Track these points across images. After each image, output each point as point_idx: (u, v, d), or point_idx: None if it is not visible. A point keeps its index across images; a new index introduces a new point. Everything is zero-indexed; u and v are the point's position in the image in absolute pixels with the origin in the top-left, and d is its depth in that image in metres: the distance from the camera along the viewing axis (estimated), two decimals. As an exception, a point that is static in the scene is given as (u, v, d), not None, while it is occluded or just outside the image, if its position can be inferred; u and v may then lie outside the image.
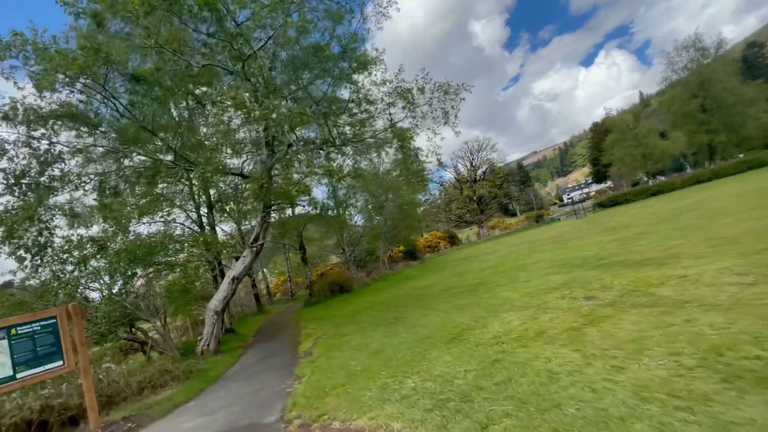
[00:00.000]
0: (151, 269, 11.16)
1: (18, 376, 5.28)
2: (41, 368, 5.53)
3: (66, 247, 10.71)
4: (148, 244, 11.35)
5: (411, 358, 5.58)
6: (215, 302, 10.77)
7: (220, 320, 10.84)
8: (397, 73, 8.79)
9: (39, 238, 5.82)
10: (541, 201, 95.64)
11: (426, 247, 34.12)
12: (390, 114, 8.94)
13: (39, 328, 5.64)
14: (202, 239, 14.26)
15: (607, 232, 15.42)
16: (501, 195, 39.44)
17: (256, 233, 11.18)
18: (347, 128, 8.89)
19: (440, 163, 9.46)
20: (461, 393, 3.92)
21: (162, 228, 14.51)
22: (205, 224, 16.77)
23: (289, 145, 9.17)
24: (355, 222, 26.43)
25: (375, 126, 9.10)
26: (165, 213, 15.70)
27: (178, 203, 16.00)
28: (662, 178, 44.02)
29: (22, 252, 5.82)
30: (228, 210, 16.04)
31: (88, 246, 11.16)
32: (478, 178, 38.10)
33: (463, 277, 13.65)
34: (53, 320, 5.80)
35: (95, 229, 13.69)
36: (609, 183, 76.49)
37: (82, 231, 12.58)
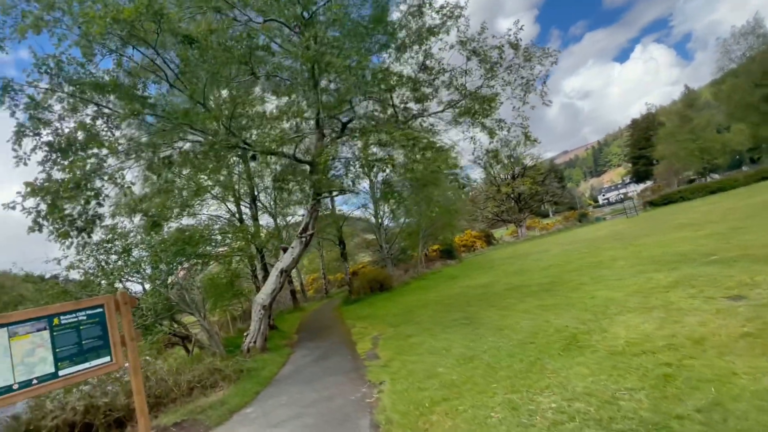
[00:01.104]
0: (195, 261, 10.53)
1: (60, 373, 4.53)
2: (87, 365, 4.76)
3: (110, 236, 10.27)
4: (192, 234, 10.74)
5: (524, 369, 4.47)
6: (262, 296, 10.00)
7: (267, 315, 10.06)
8: (480, 32, 7.64)
9: (86, 208, 5.16)
10: (580, 200, 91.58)
11: (461, 246, 32.68)
12: (463, 83, 7.83)
13: (85, 317, 4.88)
14: (244, 232, 13.63)
15: (685, 228, 13.79)
16: (543, 192, 37.28)
17: (305, 223, 10.33)
18: (412, 104, 7.84)
19: (528, 137, 8.25)
20: (648, 422, 2.79)
21: (204, 220, 13.98)
22: (245, 217, 16.21)
23: (345, 124, 8.25)
24: (385, 217, 25.40)
25: (441, 97, 8.00)
26: (207, 204, 15.24)
27: (218, 194, 15.49)
28: (715, 176, 40.54)
29: (66, 225, 5.18)
30: (276, 198, 15.36)
31: (131, 235, 10.69)
32: (517, 174, 36.13)
33: (524, 276, 12.37)
34: (100, 309, 5.04)
35: (137, 220, 13.34)
36: (651, 182, 72.12)
37: (125, 220, 12.21)
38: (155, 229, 6.73)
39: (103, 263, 10.11)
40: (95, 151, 5.12)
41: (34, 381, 4.33)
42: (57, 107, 5.26)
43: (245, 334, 10.10)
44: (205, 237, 11.38)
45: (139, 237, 10.66)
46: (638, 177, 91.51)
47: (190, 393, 6.78)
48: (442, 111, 7.80)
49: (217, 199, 16.25)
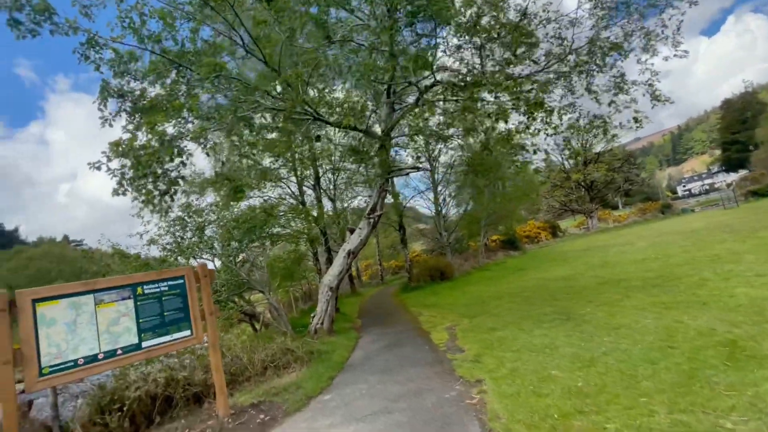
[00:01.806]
0: (263, 240, 10.50)
1: (143, 345, 4.36)
2: (168, 337, 4.57)
3: (187, 213, 10.52)
4: (261, 213, 10.70)
5: (680, 381, 3.48)
6: (330, 277, 9.67)
7: (334, 297, 9.73)
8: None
9: (168, 169, 5.02)
10: (661, 191, 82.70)
11: (524, 237, 30.67)
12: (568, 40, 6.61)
13: (166, 288, 4.69)
14: (308, 213, 13.52)
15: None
16: (620, 180, 33.57)
17: (373, 203, 9.79)
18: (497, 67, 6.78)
19: (657, 97, 6.88)
20: None
21: (271, 199, 14.07)
22: (308, 199, 16.18)
23: (422, 92, 7.46)
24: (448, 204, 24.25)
25: (536, 54, 6.76)
26: (272, 187, 15.39)
27: (283, 176, 15.57)
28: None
29: (150, 182, 5.08)
30: (336, 180, 15.08)
31: (206, 212, 10.88)
32: (589, 159, 32.75)
33: (615, 270, 10.90)
34: (181, 281, 4.83)
35: (210, 198, 13.71)
36: (746, 171, 62.77)
37: (199, 198, 12.55)
38: (238, 195, 6.53)
39: (179, 239, 10.42)
40: (178, 112, 4.92)
41: (119, 351, 4.17)
42: (140, 65, 5.13)
43: (312, 315, 9.88)
44: (274, 216, 11.32)
45: (212, 215, 10.85)
46: (729, 165, 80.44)
47: (264, 372, 6.56)
48: (543, 69, 6.62)
49: (282, 181, 16.37)
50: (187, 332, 4.72)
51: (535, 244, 30.96)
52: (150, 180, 4.90)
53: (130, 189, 5.07)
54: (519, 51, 5.93)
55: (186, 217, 10.55)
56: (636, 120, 7.16)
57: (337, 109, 6.95)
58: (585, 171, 32.21)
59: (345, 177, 18.52)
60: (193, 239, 10.28)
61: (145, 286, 4.51)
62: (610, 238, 22.41)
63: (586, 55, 6.36)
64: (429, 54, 7.14)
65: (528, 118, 6.30)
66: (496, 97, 6.04)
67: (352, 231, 10.07)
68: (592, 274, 11.11)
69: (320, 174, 15.55)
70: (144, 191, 4.99)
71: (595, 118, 7.48)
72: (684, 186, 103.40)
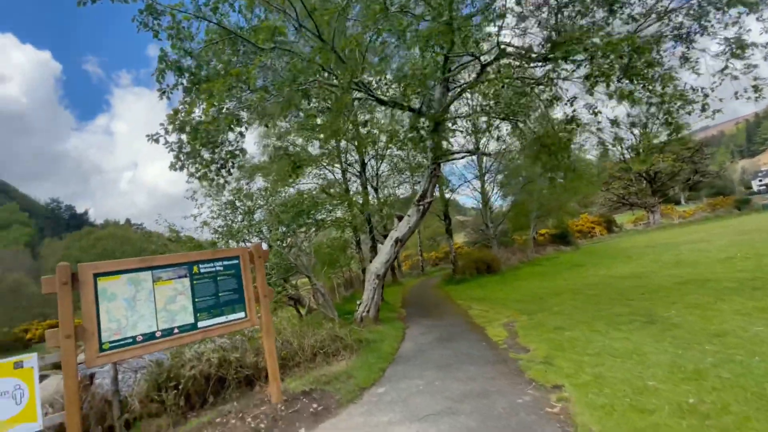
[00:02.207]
0: (310, 225, 10.40)
1: (199, 324, 4.24)
2: (223, 318, 4.43)
3: (237, 197, 10.65)
4: (308, 199, 10.60)
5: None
6: (377, 265, 9.36)
7: (380, 285, 9.43)
8: None
9: (225, 141, 4.89)
10: (734, 185, 74.83)
11: (576, 232, 28.79)
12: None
13: (221, 268, 4.54)
14: (351, 200, 13.31)
15: None
16: (689, 172, 30.31)
17: (423, 189, 9.31)
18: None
19: None
20: None
21: (317, 185, 14.02)
22: (352, 186, 15.99)
23: (484, 67, 6.81)
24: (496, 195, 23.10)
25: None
26: (317, 175, 15.36)
27: (329, 163, 15.49)
28: None
29: (207, 152, 4.98)
30: (379, 167, 14.75)
31: (255, 196, 10.96)
32: (653, 148, 29.69)
33: (695, 269, 9.71)
34: (235, 261, 4.67)
35: (259, 183, 13.91)
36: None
37: (249, 182, 12.72)
38: (296, 171, 6.34)
39: (230, 222, 10.58)
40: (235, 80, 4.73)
41: (176, 330, 4.06)
42: (196, 31, 4.99)
43: (358, 302, 9.66)
44: (320, 202, 11.19)
45: (261, 200, 10.90)
46: (819, 157, 70.65)
47: (314, 358, 6.39)
48: (638, 30, 5.61)
49: (326, 168, 16.32)
50: (242, 314, 4.56)
51: (588, 240, 29.03)
52: (207, 152, 4.77)
53: (186, 163, 5.00)
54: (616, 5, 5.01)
55: (236, 201, 10.69)
56: (756, 89, 5.97)
57: (393, 86, 6.50)
58: (648, 161, 29.43)
59: (389, 165, 18.15)
60: (243, 222, 10.40)
61: (201, 265, 4.38)
62: (678, 235, 20.37)
63: (696, 10, 5.32)
64: (491, 22, 6.45)
65: (632, 82, 5.35)
66: (590, 59, 5.24)
67: (400, 218, 9.68)
68: (666, 273, 9.97)
69: (365, 161, 15.25)
70: (201, 164, 4.88)
71: (693, 91, 6.39)
72: (761, 180, 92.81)
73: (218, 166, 5.10)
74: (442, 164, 10.85)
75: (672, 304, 6.61)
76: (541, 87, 8.12)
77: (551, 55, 5.66)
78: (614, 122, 9.46)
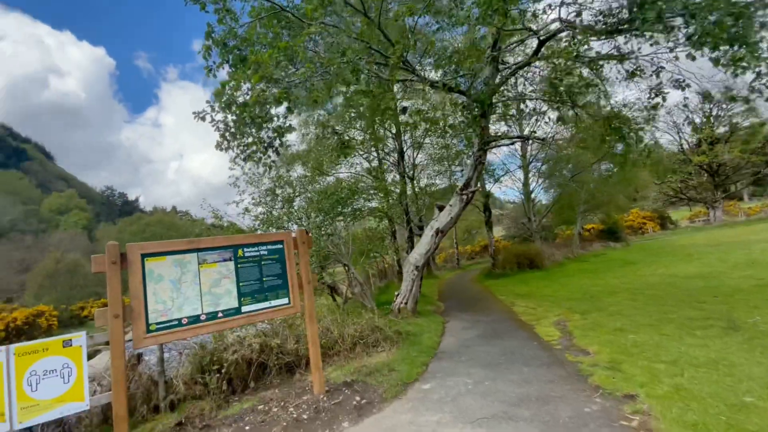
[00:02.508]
0: (348, 214, 10.25)
1: (243, 309, 4.13)
2: (266, 304, 4.30)
3: (277, 184, 10.69)
4: (346, 188, 10.44)
5: None
6: (416, 256, 9.06)
7: (419, 277, 9.13)
8: None
9: (273, 116, 4.73)
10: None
11: (625, 228, 26.98)
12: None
13: (266, 252, 4.41)
14: (386, 190, 13.01)
15: None
16: (760, 164, 27.21)
17: (467, 178, 8.85)
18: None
19: None
20: None
21: (355, 174, 13.87)
22: (388, 174, 15.70)
23: (543, 42, 6.21)
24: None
25: None
26: (354, 164, 15.20)
27: (365, 151, 15.28)
28: None
29: (253, 130, 4.84)
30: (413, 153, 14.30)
31: (295, 184, 10.95)
32: (717, 138, 26.90)
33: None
34: (279, 245, 4.53)
35: (299, 171, 13.94)
36: None
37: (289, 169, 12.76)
38: (345, 150, 6.11)
39: (270, 209, 10.64)
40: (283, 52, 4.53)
41: (220, 314, 3.97)
42: (241, 12, 4.85)
43: (396, 293, 9.43)
44: (359, 191, 11.01)
45: (300, 188, 10.88)
46: None
47: (353, 348, 6.22)
48: None
49: (362, 156, 16.11)
50: (285, 300, 4.42)
51: (639, 236, 27.15)
52: (254, 128, 4.63)
53: (232, 143, 4.91)
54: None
55: (277, 188, 10.74)
56: None
57: (444, 61, 6.07)
58: (711, 152, 26.82)
59: (425, 155, 17.66)
60: (283, 210, 10.42)
61: (245, 249, 4.27)
62: (745, 233, 18.48)
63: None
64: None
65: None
66: (690, 17, 4.51)
67: (441, 208, 9.28)
68: (740, 274, 8.95)
69: (404, 148, 14.85)
70: (248, 141, 4.75)
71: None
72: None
73: (265, 145, 4.96)
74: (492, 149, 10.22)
75: (754, 309, 5.84)
76: (613, 62, 7.32)
77: (634, 18, 4.96)
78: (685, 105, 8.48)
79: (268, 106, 4.26)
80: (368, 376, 5.10)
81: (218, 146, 4.88)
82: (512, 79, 8.80)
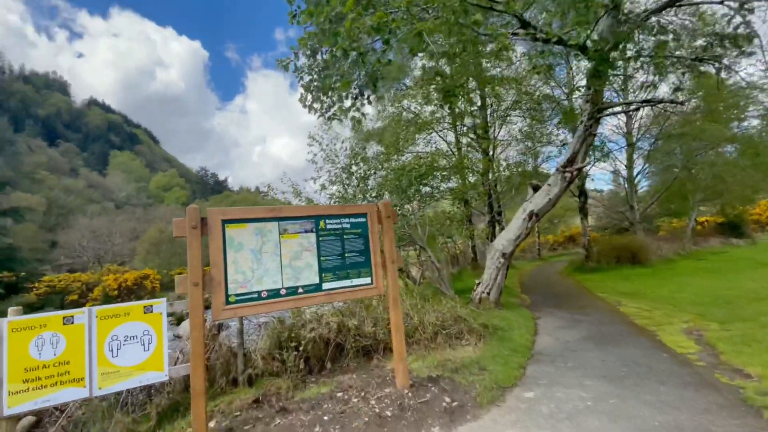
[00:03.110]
0: (427, 192, 9.58)
1: (323, 286, 3.70)
2: (348, 282, 3.85)
3: (354, 160, 10.37)
4: (425, 163, 9.74)
5: None
6: (503, 242, 8.10)
7: (506, 266, 8.18)
8: None
9: (370, 48, 4.17)
10: None
11: (752, 222, 22.44)
12: None
13: (348, 225, 3.94)
14: (462, 167, 11.97)
15: None
16: None
17: (572, 152, 7.57)
18: None
19: None
20: None
21: (428, 154, 13.08)
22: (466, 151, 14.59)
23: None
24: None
25: None
26: (430, 136, 14.38)
27: (445, 127, 14.36)
28: None
29: (344, 68, 4.35)
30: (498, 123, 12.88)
31: (371, 160, 10.54)
32: None
33: None
34: (362, 219, 4.02)
35: (374, 149, 13.54)
36: None
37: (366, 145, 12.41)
38: (449, 100, 5.41)
39: (345, 186, 10.38)
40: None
41: (300, 290, 3.58)
42: None
43: (477, 281, 8.60)
44: (439, 168, 10.23)
45: (375, 165, 10.43)
46: None
47: (434, 338, 5.62)
48: None
49: (440, 133, 15.18)
50: (367, 279, 3.93)
51: (766, 232, 22.48)
52: (346, 64, 4.09)
53: (317, 94, 4.49)
54: None
55: (352, 166, 10.42)
56: None
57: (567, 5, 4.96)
58: None
59: (507, 132, 16.10)
60: (359, 187, 10.09)
61: (327, 220, 3.83)
62: None
63: None
64: None
65: None
66: None
67: (536, 188, 8.14)
68: None
69: (489, 122, 13.54)
70: (336, 85, 4.27)
71: None
72: None
73: (355, 94, 4.42)
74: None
75: None
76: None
77: None
78: None
79: (362, 38, 3.68)
80: (455, 372, 4.47)
81: (302, 101, 4.51)
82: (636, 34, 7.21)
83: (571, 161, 7.50)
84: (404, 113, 14.77)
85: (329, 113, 4.77)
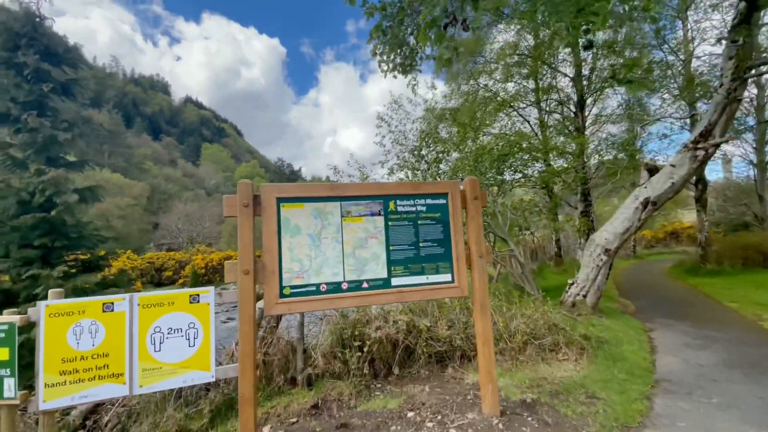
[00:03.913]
0: (512, 175, 8.42)
1: (393, 282, 3.00)
2: (422, 278, 3.11)
3: (425, 141, 9.54)
4: (510, 142, 8.55)
5: None
6: (607, 235, 6.73)
7: (608, 264, 6.81)
8: None
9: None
10: None
11: None
12: None
13: (423, 208, 3.19)
14: (551, 147, 10.37)
15: None
16: None
17: (707, 122, 5.91)
18: None
19: None
20: None
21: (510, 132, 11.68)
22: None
23: None
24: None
25: None
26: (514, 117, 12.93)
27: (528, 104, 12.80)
28: None
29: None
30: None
31: (446, 139, 9.62)
32: None
33: None
34: (442, 200, 3.23)
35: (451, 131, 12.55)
36: None
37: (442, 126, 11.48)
38: (589, 46, 4.46)
39: (415, 172, 9.61)
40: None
41: (365, 284, 2.92)
42: None
43: (570, 281, 7.33)
44: (525, 149, 8.95)
45: (450, 146, 9.48)
46: None
47: (523, 349, 4.68)
48: None
49: (529, 106, 13.59)
50: (447, 276, 3.16)
51: None
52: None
53: (388, 40, 3.80)
54: None
55: (423, 149, 9.60)
56: None
57: None
58: None
59: (599, 109, 13.83)
60: (429, 172, 9.26)
61: (398, 201, 3.13)
62: None
63: None
64: None
65: None
66: None
67: (652, 171, 6.59)
68: None
69: (585, 94, 11.62)
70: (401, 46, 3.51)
71: None
72: None
73: (445, 23, 3.62)
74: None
75: None
76: None
77: None
78: None
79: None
80: (555, 397, 3.54)
81: (374, 54, 3.85)
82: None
83: (705, 135, 5.85)
84: (481, 91, 13.49)
85: (396, 66, 3.98)
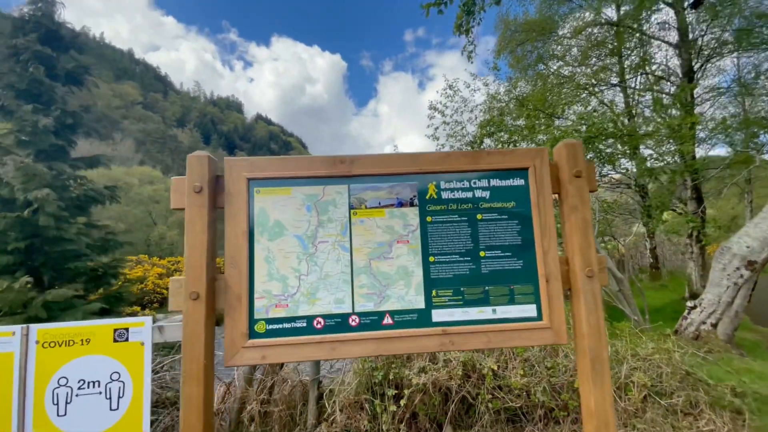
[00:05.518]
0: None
1: (434, 316, 1.78)
2: (486, 311, 1.84)
3: (487, 129, 8.14)
4: (594, 123, 6.82)
5: None
6: (750, 241, 4.83)
7: (752, 281, 4.88)
8: None
9: None
10: None
11: None
12: None
13: (487, 194, 1.93)
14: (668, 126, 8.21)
15: None
16: None
17: None
18: None
19: None
20: None
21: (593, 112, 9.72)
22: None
23: None
24: None
25: None
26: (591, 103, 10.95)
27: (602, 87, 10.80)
28: None
29: None
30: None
31: (511, 127, 8.14)
32: None
33: None
34: (519, 180, 1.95)
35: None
36: None
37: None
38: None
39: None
40: None
41: (387, 319, 1.72)
42: None
43: (689, 304, 5.44)
44: (610, 134, 7.14)
45: (517, 136, 7.98)
46: None
47: (642, 410, 3.15)
48: None
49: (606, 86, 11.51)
50: (529, 309, 1.87)
51: None
52: None
53: None
54: None
55: (485, 137, 8.21)
56: None
57: None
58: None
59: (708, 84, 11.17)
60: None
61: (443, 182, 1.92)
62: None
63: None
64: None
65: None
66: None
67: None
68: None
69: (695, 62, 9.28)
70: None
71: None
72: None
73: None
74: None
75: None
76: None
77: None
78: None
79: None
80: None
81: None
82: None
83: None
84: (551, 77, 11.71)
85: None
